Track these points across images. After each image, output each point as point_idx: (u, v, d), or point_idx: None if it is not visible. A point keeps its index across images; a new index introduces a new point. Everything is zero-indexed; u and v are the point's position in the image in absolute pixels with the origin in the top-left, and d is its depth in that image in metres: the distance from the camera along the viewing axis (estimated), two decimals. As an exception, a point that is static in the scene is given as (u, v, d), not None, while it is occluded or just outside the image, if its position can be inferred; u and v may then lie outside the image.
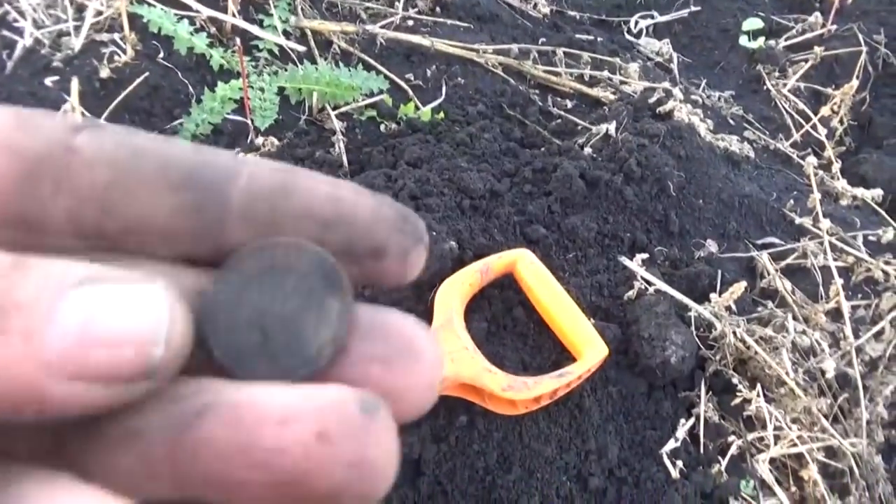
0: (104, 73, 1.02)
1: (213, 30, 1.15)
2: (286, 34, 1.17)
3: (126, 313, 0.16)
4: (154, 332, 0.16)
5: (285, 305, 0.19)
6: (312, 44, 1.19)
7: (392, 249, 0.21)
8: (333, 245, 0.21)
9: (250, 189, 0.20)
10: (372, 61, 1.19)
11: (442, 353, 0.21)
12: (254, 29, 1.13)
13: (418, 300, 0.81)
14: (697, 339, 0.86)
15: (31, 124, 0.20)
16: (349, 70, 1.13)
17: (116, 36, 1.09)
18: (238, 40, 1.00)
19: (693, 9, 1.62)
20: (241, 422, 0.17)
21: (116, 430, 0.18)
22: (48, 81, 1.02)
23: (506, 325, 0.84)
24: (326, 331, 0.20)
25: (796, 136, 1.36)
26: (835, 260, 0.99)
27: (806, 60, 1.48)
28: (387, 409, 0.18)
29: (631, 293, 0.88)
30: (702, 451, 0.81)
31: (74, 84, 1.00)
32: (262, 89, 1.06)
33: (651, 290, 0.89)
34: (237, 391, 0.18)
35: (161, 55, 1.08)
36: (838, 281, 0.94)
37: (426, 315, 0.78)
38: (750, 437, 0.81)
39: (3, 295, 0.16)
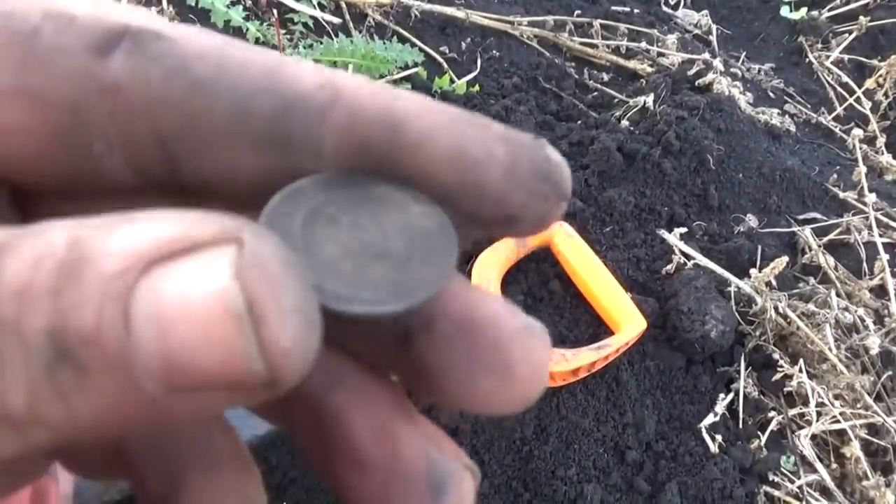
0: (142, 46, 1.03)
1: (248, 3, 1.14)
2: (321, 6, 1.17)
3: (202, 302, 0.11)
4: (239, 337, 0.11)
5: (384, 240, 0.16)
6: (347, 16, 1.19)
7: (528, 217, 0.17)
8: (454, 212, 0.16)
9: (349, 130, 0.16)
10: (406, 34, 1.18)
11: (546, 361, 0.17)
12: (289, 2, 1.13)
13: (455, 272, 0.81)
14: (737, 314, 0.85)
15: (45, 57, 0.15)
16: (384, 42, 1.12)
17: (154, 10, 1.10)
18: (274, 13, 1.00)
19: (733, -21, 1.57)
20: None
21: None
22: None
23: (542, 298, 0.83)
24: (434, 268, 0.16)
25: (839, 110, 1.32)
26: (880, 236, 0.97)
27: (850, 31, 1.43)
28: (463, 489, 0.16)
29: (669, 267, 0.87)
30: (741, 426, 0.80)
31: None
32: (297, 62, 1.06)
33: (690, 264, 0.88)
34: None
35: (198, 28, 1.08)
36: (883, 257, 0.92)
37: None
38: (791, 412, 0.80)
39: (63, 318, 0.11)
